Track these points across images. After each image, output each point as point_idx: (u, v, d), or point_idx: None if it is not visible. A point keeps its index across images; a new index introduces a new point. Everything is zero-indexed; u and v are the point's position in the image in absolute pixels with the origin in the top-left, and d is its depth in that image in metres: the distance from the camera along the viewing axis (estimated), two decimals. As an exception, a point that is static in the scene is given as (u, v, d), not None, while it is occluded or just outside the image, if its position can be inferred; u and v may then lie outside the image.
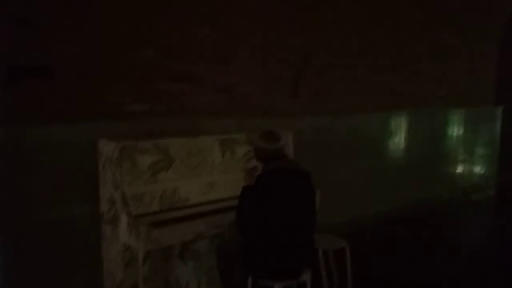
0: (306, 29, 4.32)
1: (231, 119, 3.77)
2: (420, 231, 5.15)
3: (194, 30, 3.47)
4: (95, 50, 2.95)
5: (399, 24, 5.38)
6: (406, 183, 5.74)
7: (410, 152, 5.76)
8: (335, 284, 3.44)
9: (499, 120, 7.74)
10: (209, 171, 3.11)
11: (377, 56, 5.10)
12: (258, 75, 4.01)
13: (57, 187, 2.86)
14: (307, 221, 2.66)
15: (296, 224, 2.58)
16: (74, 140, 2.90)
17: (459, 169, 6.93)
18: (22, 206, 2.74)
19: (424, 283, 3.65)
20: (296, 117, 4.31)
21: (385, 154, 5.44)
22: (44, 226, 2.82)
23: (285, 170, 2.62)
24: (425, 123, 6.05)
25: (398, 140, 5.59)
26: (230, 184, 3.06)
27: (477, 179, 7.37)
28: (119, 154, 2.65)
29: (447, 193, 6.56)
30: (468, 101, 6.89)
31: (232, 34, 3.74)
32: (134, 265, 2.77)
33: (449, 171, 6.74)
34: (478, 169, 7.40)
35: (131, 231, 2.59)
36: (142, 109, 3.25)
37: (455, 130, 6.72)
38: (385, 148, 5.42)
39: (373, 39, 5.03)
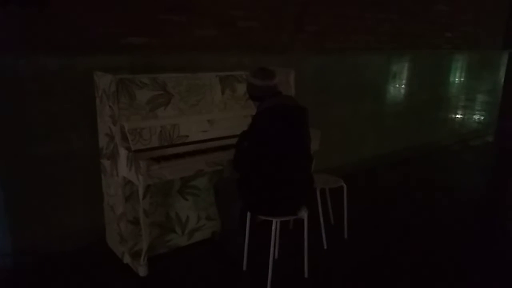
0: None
1: (232, 56, 3.64)
2: (417, 174, 5.22)
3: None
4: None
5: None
6: (405, 127, 5.72)
7: (411, 96, 5.67)
8: (331, 222, 3.53)
9: (505, 66, 7.57)
10: (209, 109, 3.05)
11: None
12: (262, 10, 3.81)
13: (54, 120, 2.80)
14: (304, 157, 2.65)
15: (293, 160, 2.58)
16: (71, 72, 2.81)
17: (460, 115, 6.89)
18: (18, 139, 2.70)
19: (418, 223, 3.74)
20: (298, 56, 4.17)
21: (386, 97, 5.35)
22: (42, 160, 2.81)
23: (282, 106, 2.57)
24: (429, 67, 5.90)
25: (400, 83, 5.48)
26: (230, 122, 3.01)
27: (477, 126, 7.36)
28: (116, 88, 2.57)
29: (446, 138, 6.58)
30: (476, 44, 6.69)
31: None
32: (134, 199, 2.81)
33: (450, 116, 6.70)
34: (478, 116, 7.37)
35: (130, 166, 2.59)
36: (140, 42, 3.12)
37: (459, 75, 6.59)
38: (386, 91, 5.33)
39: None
